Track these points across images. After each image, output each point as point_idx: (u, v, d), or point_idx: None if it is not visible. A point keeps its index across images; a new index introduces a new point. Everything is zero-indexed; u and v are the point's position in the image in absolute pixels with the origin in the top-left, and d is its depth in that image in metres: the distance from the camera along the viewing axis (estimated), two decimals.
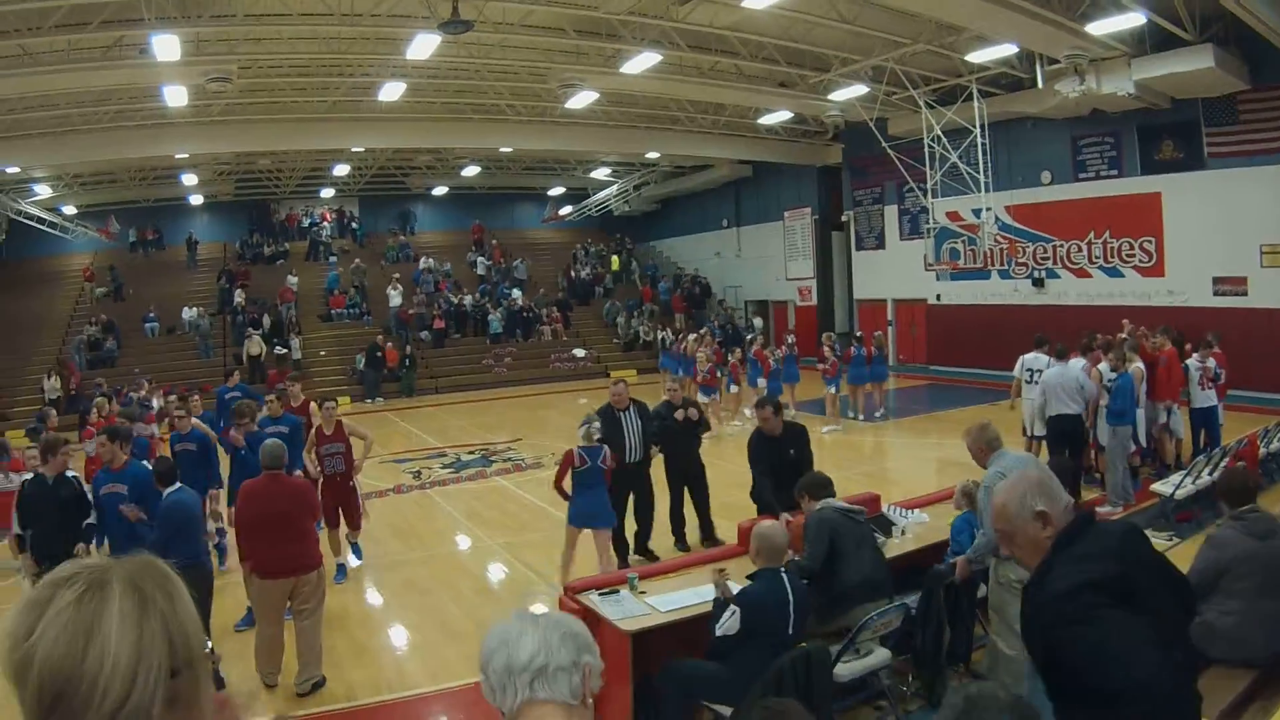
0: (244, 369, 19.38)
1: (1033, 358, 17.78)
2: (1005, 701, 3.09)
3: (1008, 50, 25.35)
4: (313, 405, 16.80)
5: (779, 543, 7.59)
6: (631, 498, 13.27)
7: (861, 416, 25.83)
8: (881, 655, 8.16)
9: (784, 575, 7.49)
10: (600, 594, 8.44)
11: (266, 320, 40.08)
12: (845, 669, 7.83)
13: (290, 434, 13.64)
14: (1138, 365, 16.48)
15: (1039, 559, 4.05)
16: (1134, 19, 22.06)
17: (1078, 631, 3.70)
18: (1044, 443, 16.24)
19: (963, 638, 9.01)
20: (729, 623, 7.17)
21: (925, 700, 8.57)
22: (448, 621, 11.73)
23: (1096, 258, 29.93)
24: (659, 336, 37.84)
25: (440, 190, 52.48)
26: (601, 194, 52.76)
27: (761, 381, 26.59)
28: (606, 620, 7.94)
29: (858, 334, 30.62)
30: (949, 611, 8.70)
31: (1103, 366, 16.07)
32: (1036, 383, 16.65)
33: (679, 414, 13.52)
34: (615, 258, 52.31)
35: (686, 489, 13.84)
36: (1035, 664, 4.02)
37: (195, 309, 41.26)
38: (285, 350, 37.23)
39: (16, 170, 35.13)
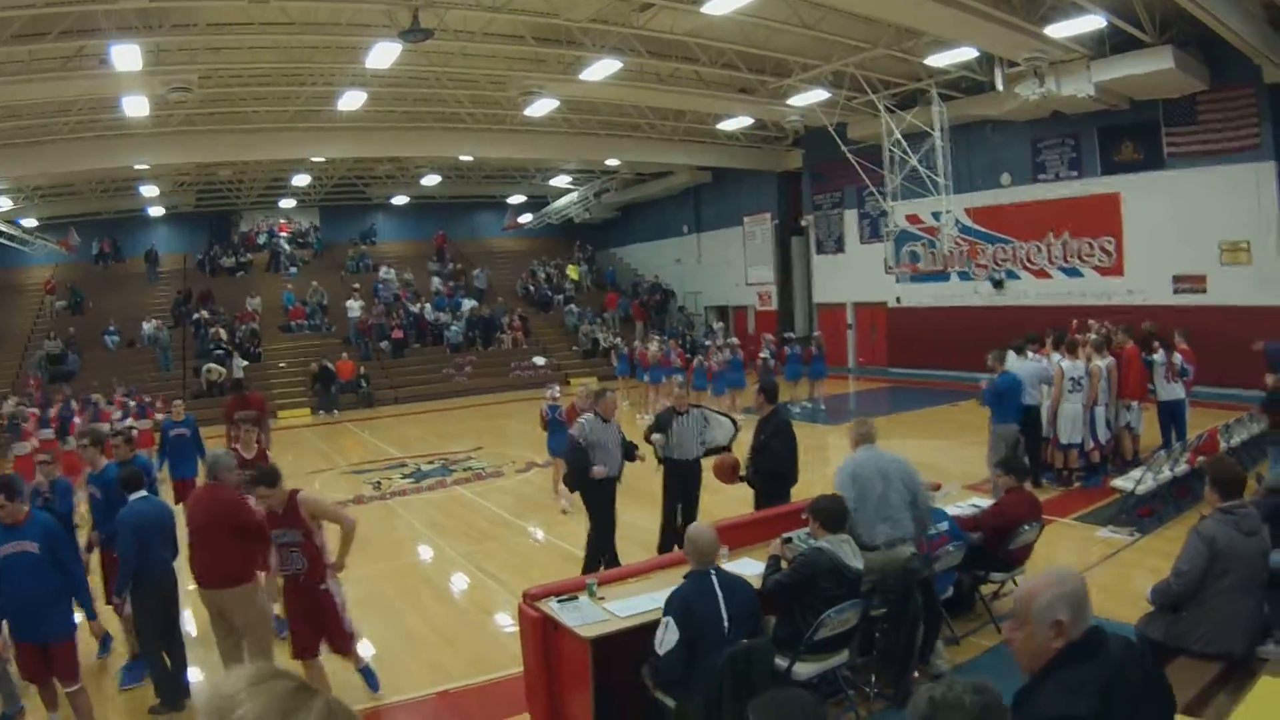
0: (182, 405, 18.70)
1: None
2: (971, 703, 3.15)
3: (968, 54, 25.45)
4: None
5: (705, 543, 7.53)
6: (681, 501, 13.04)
7: (797, 409, 26.14)
8: (840, 655, 8.12)
9: (713, 575, 7.40)
10: (559, 600, 8.35)
11: (223, 334, 40.03)
12: (802, 668, 7.81)
13: (191, 434, 14.62)
14: (1108, 362, 16.62)
15: (1036, 665, 4.05)
16: (1094, 21, 22.14)
17: None
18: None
19: (926, 638, 8.99)
20: (666, 636, 7.07)
21: (890, 701, 8.58)
22: (409, 631, 11.70)
23: (1056, 258, 30.13)
24: (616, 343, 37.74)
25: (401, 200, 52.55)
26: (562, 201, 52.73)
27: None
28: (565, 627, 7.91)
29: (816, 334, 31.21)
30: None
31: (1065, 363, 16.19)
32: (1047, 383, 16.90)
33: (657, 438, 12.91)
34: (573, 267, 52.36)
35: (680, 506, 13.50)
36: None
37: (154, 322, 41.10)
38: (223, 371, 36.87)
39: None
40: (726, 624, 7.19)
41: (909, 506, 8.94)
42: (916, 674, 8.82)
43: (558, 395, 19.57)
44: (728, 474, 12.33)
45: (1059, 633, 3.97)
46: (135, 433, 15.29)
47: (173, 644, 9.70)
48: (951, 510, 10.43)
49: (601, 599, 8.37)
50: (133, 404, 28.42)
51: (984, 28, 21.88)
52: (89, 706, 8.80)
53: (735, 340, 31.36)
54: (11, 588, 8.26)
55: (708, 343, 33.07)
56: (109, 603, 9.99)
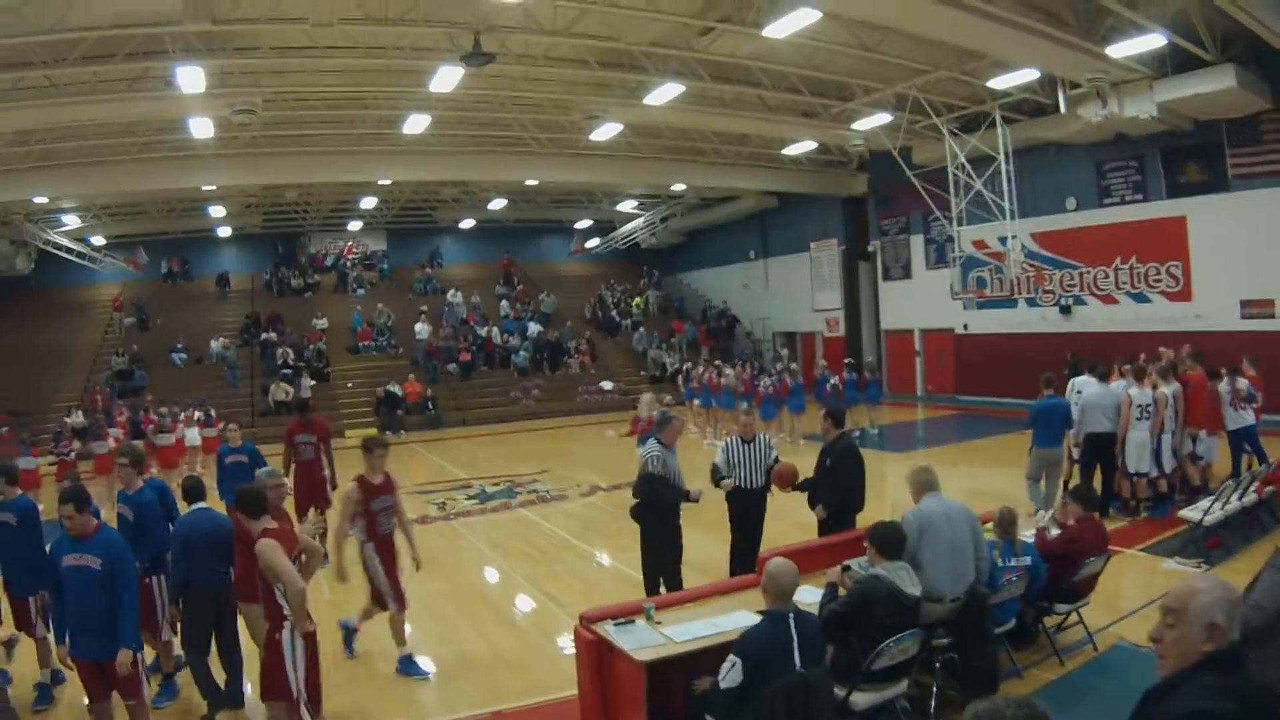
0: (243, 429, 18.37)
1: (1083, 380, 17.61)
2: (1013, 717, 3.10)
3: (1030, 75, 25.24)
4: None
5: (786, 584, 7.23)
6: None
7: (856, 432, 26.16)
8: (899, 684, 7.95)
9: (791, 619, 7.13)
10: (615, 624, 8.27)
11: (290, 355, 40.54)
12: (860, 698, 7.67)
13: (250, 461, 14.07)
14: (1174, 389, 16.37)
15: (1178, 666, 3.95)
16: (1154, 40, 21.91)
17: None
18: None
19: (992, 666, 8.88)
20: (731, 675, 6.84)
21: None
22: (467, 651, 11.67)
23: (1123, 283, 29.68)
24: (686, 367, 37.62)
25: (468, 223, 52.68)
26: (628, 226, 52.68)
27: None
28: (620, 650, 7.84)
29: (869, 360, 31.43)
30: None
31: (1133, 390, 15.96)
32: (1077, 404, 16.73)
33: (727, 483, 12.56)
34: (639, 300, 52.33)
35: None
36: None
37: (222, 340, 41.75)
38: (290, 390, 37.02)
39: (45, 200, 35.44)
40: (802, 664, 7.01)
41: (971, 555, 8.83)
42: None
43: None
44: (785, 482, 12.20)
45: (1211, 636, 3.88)
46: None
47: (228, 654, 9.78)
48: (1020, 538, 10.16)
49: (658, 623, 8.27)
50: (199, 414, 29.13)
51: (1044, 48, 21.68)
52: None
53: (795, 365, 31.27)
54: (72, 603, 8.24)
55: (777, 366, 33.02)
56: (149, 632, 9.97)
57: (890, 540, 8.22)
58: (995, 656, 8.67)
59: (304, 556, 8.63)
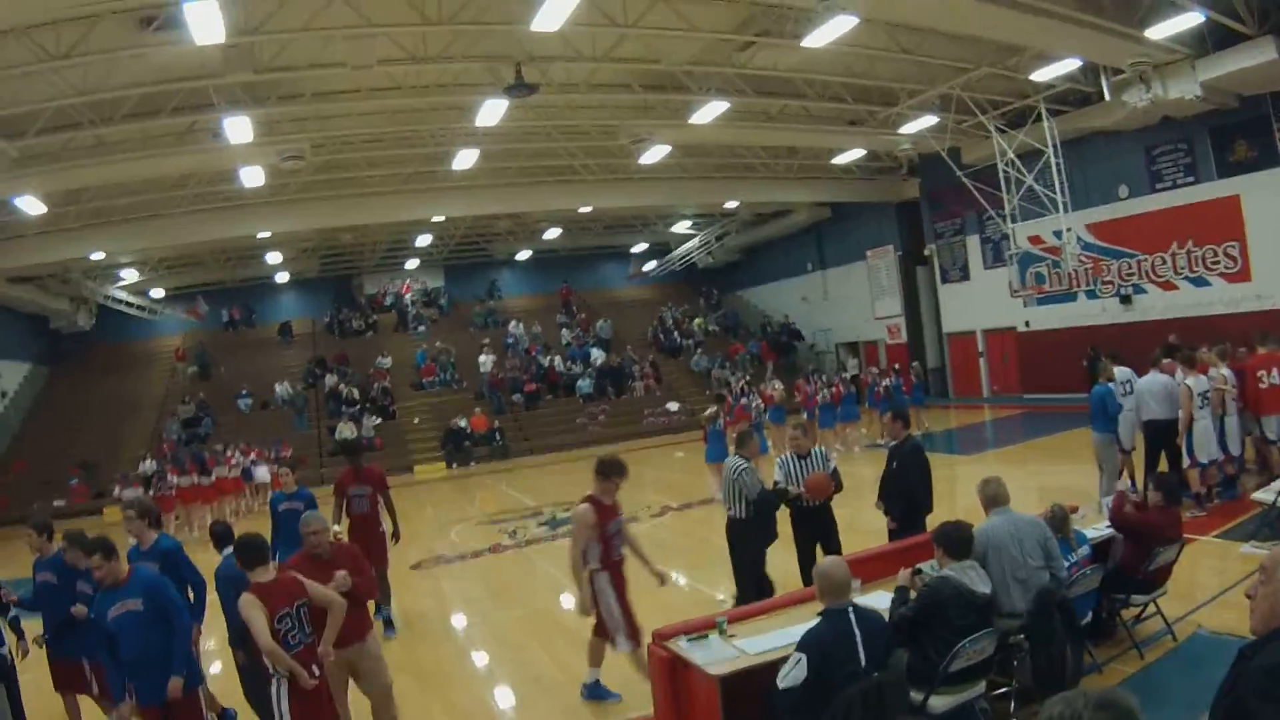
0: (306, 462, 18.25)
1: (1119, 371, 17.35)
2: (1090, 718, 3.02)
3: (1071, 65, 25.11)
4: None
5: (839, 579, 7.30)
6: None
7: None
8: (976, 686, 7.83)
9: (850, 613, 7.16)
10: (688, 639, 8.19)
11: (355, 394, 40.84)
12: (938, 701, 7.53)
13: (306, 509, 12.09)
14: (1222, 372, 16.17)
15: (1265, 621, 4.03)
16: (1192, 18, 21.74)
17: (1270, 712, 3.63)
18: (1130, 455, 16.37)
19: (1072, 664, 8.66)
20: (793, 672, 6.83)
21: None
22: (541, 675, 11.69)
23: (1181, 268, 29.36)
24: (739, 386, 37.51)
25: (524, 254, 53.00)
26: (684, 247, 52.63)
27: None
28: (695, 665, 7.76)
29: (914, 364, 31.76)
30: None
31: (1190, 380, 15.75)
32: (1127, 395, 16.57)
33: (795, 489, 12.19)
34: (699, 320, 52.25)
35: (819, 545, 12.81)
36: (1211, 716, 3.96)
37: (286, 384, 42.30)
38: (354, 434, 37.12)
39: (102, 256, 35.68)
40: (864, 664, 7.01)
41: (1044, 568, 8.69)
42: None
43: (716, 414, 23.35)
44: (820, 493, 11.99)
45: None
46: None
47: None
48: (1090, 533, 10.16)
49: (732, 636, 8.18)
50: (269, 452, 30.70)
51: (1082, 36, 21.59)
52: None
53: (847, 374, 31.36)
54: (127, 650, 8.16)
55: (823, 377, 33.07)
56: None
57: (956, 540, 8.13)
58: (1064, 654, 8.49)
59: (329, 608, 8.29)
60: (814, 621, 7.27)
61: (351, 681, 9.14)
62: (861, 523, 12.95)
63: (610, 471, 10.42)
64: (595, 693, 10.53)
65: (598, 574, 10.29)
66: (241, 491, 29.50)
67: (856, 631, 7.07)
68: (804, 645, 6.98)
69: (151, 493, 27.41)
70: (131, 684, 8.28)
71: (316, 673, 7.86)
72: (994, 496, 9.09)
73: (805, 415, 29.62)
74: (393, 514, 14.45)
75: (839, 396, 28.95)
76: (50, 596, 9.90)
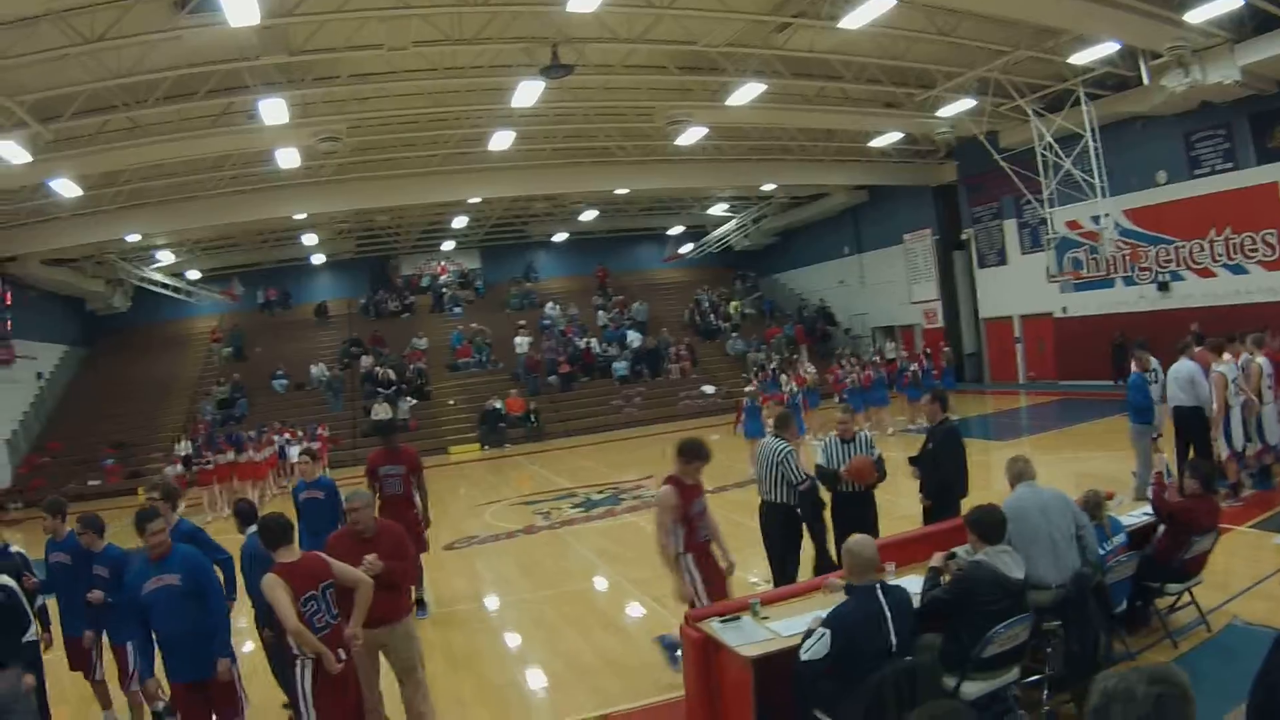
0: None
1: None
2: (1144, 695, 3.01)
3: (1109, 49, 24.89)
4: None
5: (868, 556, 7.31)
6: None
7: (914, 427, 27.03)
8: (1010, 672, 7.71)
9: (879, 592, 7.16)
10: (721, 621, 8.14)
11: (391, 375, 41.03)
12: (970, 687, 7.43)
13: (327, 498, 12.70)
14: (1257, 361, 16.06)
15: None
16: (1232, 2, 21.64)
17: None
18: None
19: (1104, 649, 8.60)
20: (816, 645, 6.82)
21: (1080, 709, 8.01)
22: (573, 656, 11.68)
23: (1220, 255, 29.07)
24: (772, 368, 37.42)
25: (560, 236, 53.01)
26: (720, 230, 52.63)
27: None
28: (727, 647, 7.71)
29: (926, 350, 32.36)
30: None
31: (1222, 367, 15.63)
32: (1154, 383, 16.62)
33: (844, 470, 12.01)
34: (735, 303, 52.08)
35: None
36: (1249, 703, 3.96)
37: (322, 365, 42.52)
38: (389, 415, 37.17)
39: (138, 238, 36.03)
40: (894, 643, 7.00)
41: (1074, 541, 8.65)
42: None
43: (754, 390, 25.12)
44: (862, 477, 11.74)
45: None
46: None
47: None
48: (1125, 520, 10.04)
49: (765, 618, 8.13)
50: (301, 432, 31.35)
51: (1120, 19, 21.58)
52: None
53: (878, 359, 31.42)
54: (161, 625, 8.20)
55: (875, 359, 33.08)
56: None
57: (989, 524, 7.98)
58: (1097, 641, 8.39)
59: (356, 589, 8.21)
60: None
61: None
62: (896, 508, 12.87)
63: (692, 454, 9.90)
64: (668, 642, 10.39)
65: (683, 556, 9.83)
66: (277, 471, 29.68)
67: (885, 609, 7.06)
68: (830, 620, 6.98)
69: (188, 470, 27.87)
70: (165, 661, 8.27)
71: (343, 655, 7.80)
72: (1020, 473, 9.13)
73: (835, 399, 29.60)
74: (424, 497, 14.07)
75: (869, 381, 29.03)
76: (64, 578, 9.88)
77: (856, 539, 7.59)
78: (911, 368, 30.57)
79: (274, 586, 7.62)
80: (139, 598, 8.20)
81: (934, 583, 7.90)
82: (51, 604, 10.08)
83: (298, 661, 7.77)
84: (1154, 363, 16.96)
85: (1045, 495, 8.88)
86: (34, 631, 9.18)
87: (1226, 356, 15.71)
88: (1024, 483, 9.03)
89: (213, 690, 8.28)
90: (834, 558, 10.94)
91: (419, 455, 14.16)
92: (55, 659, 10.11)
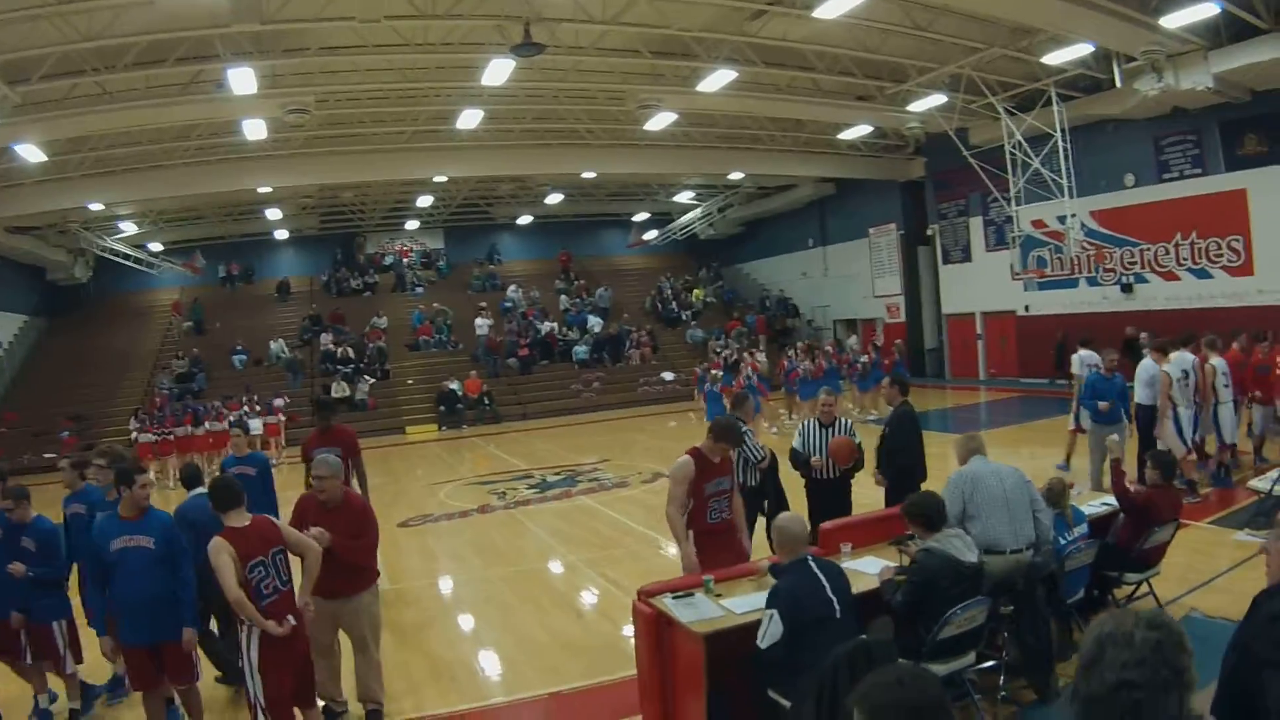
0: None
1: (1087, 354, 18.64)
2: (1142, 640, 2.95)
3: (1083, 50, 24.90)
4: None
5: (796, 532, 7.36)
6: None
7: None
8: (966, 657, 7.70)
9: (810, 562, 7.20)
10: (674, 597, 8.06)
11: (350, 353, 41.11)
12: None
13: (258, 474, 12.24)
14: (1211, 362, 16.24)
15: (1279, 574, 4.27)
16: (1207, 9, 21.71)
17: (1275, 653, 3.67)
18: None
19: (1057, 639, 8.69)
20: (771, 629, 6.82)
21: (1038, 697, 8.29)
22: (526, 635, 11.65)
23: (1184, 259, 29.29)
24: (728, 354, 37.70)
25: (525, 219, 52.85)
26: (686, 217, 52.62)
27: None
28: (679, 624, 7.64)
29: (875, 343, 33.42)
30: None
31: (1167, 366, 15.76)
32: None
33: (817, 460, 11.92)
34: (698, 290, 52.20)
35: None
36: (1223, 670, 4.07)
37: (281, 341, 42.42)
38: (347, 393, 38.12)
39: (101, 208, 35.89)
40: (837, 608, 7.00)
41: (1029, 511, 8.66)
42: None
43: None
44: (844, 457, 11.71)
45: None
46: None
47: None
48: (1086, 510, 10.09)
49: (719, 595, 8.05)
50: (259, 406, 31.79)
51: (1096, 20, 21.62)
52: (200, 707, 8.74)
53: (828, 348, 31.83)
54: (124, 586, 8.05)
55: (827, 349, 33.48)
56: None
57: (927, 510, 7.98)
58: (1049, 632, 8.42)
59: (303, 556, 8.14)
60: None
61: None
62: (857, 495, 12.78)
63: (721, 433, 9.59)
64: None
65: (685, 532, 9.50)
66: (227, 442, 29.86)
67: (820, 577, 7.10)
68: (773, 601, 6.98)
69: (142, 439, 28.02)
70: (121, 622, 8.17)
71: (292, 620, 7.68)
72: (974, 449, 9.18)
73: (784, 389, 30.79)
74: (363, 481, 13.08)
75: (821, 371, 29.34)
76: None
77: (784, 516, 7.70)
78: (862, 359, 30.99)
79: (219, 551, 7.48)
80: (104, 554, 8.08)
81: (894, 590, 7.82)
82: None
83: (243, 629, 7.64)
84: (1093, 357, 17.58)
85: (1000, 467, 8.97)
86: None
87: (1173, 356, 15.89)
88: (976, 456, 9.08)
89: (167, 656, 8.19)
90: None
91: (356, 436, 13.47)
92: None
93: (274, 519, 8.21)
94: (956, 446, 9.39)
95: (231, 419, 28.13)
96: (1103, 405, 15.65)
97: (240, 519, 7.81)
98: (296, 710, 7.89)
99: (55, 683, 9.73)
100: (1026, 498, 8.74)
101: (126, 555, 8.03)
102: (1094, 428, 15.95)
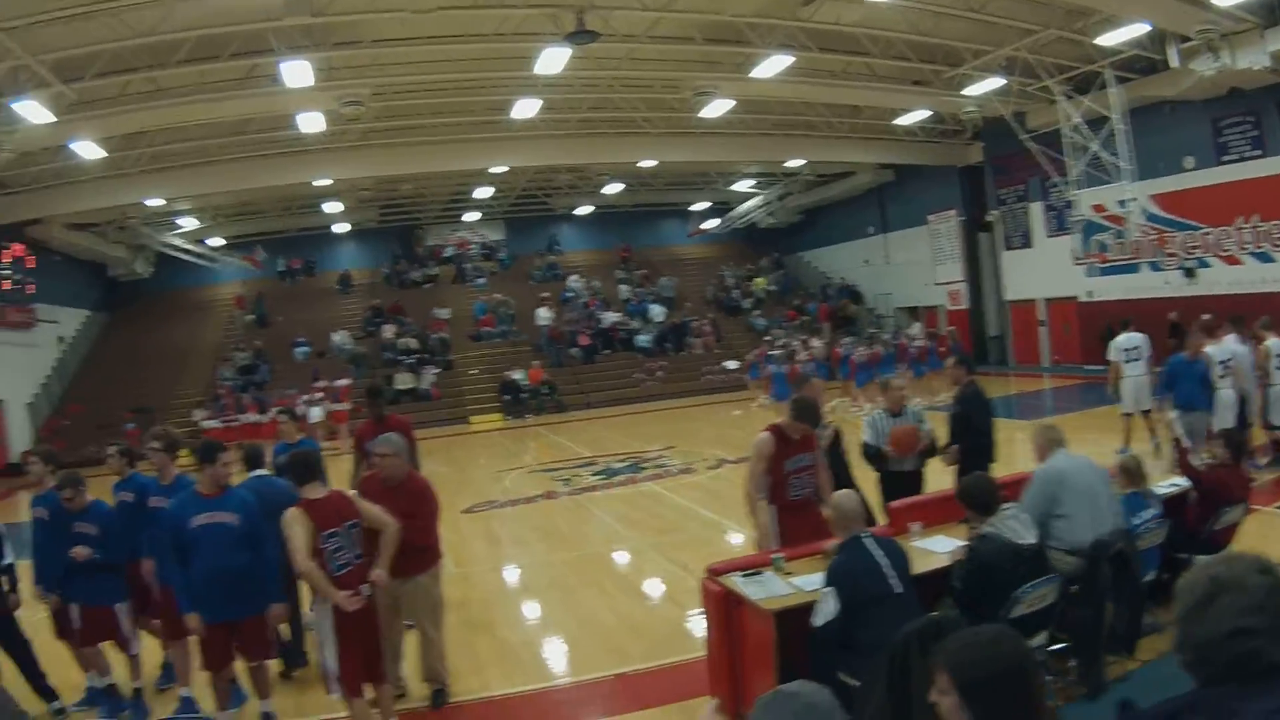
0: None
1: (1125, 338, 18.63)
2: (1255, 585, 2.80)
3: (1138, 30, 24.64)
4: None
5: (850, 509, 7.35)
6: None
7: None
8: (1038, 636, 7.42)
9: (864, 540, 7.18)
10: (743, 575, 8.03)
11: (413, 344, 41.45)
12: None
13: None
14: (1267, 344, 16.08)
15: None
16: None
17: None
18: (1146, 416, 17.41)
19: (1126, 620, 8.29)
20: (825, 607, 6.80)
21: (1083, 684, 7.86)
22: (590, 616, 11.72)
23: (1246, 243, 28.82)
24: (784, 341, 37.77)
25: (584, 210, 52.86)
26: (745, 206, 52.47)
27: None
28: (749, 601, 7.61)
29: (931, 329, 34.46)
30: (1113, 589, 8.05)
31: (1210, 348, 15.69)
32: (1136, 360, 18.02)
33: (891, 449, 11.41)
34: (760, 280, 52.02)
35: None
36: None
37: (344, 333, 42.74)
38: (412, 384, 38.62)
39: (160, 203, 36.34)
40: (896, 585, 6.97)
41: (1109, 504, 8.49)
42: (1120, 665, 8.20)
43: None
44: (907, 447, 11.29)
45: None
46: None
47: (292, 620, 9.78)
48: (1158, 490, 9.69)
49: (788, 574, 7.99)
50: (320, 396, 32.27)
51: (1150, 0, 21.36)
52: (268, 684, 8.88)
53: (887, 335, 32.04)
54: (205, 561, 8.14)
55: (887, 337, 33.53)
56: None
57: (979, 493, 7.85)
58: (1103, 617, 8.01)
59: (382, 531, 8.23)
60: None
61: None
62: (932, 487, 12.70)
63: (801, 411, 9.65)
64: None
65: (769, 508, 9.57)
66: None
67: (877, 556, 7.08)
68: (831, 579, 6.97)
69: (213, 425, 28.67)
70: (199, 598, 8.20)
71: (365, 592, 7.82)
72: (1055, 440, 8.92)
73: (840, 375, 31.25)
74: (417, 459, 11.73)
75: (878, 358, 29.77)
76: (44, 534, 9.53)
77: (839, 493, 7.72)
78: (916, 344, 31.20)
79: (293, 522, 7.65)
80: (185, 530, 8.18)
81: (958, 571, 7.72)
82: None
83: (317, 604, 7.81)
84: (1135, 340, 18.00)
85: (1081, 461, 8.78)
86: (10, 556, 9.41)
87: (1228, 339, 15.84)
88: (1059, 450, 8.84)
89: (245, 633, 8.32)
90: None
91: (412, 426, 12.23)
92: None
93: (348, 493, 8.34)
94: (1035, 436, 9.17)
95: (299, 405, 28.62)
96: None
97: (316, 491, 7.96)
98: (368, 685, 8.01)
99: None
100: (1108, 493, 8.61)
101: (207, 532, 8.13)
102: (1179, 414, 15.73)
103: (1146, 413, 18.00)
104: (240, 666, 8.74)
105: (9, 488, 27.21)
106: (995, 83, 28.96)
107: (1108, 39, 25.09)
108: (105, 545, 9.16)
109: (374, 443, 9.26)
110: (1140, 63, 27.83)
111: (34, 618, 10.17)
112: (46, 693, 9.43)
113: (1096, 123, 28.27)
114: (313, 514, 7.70)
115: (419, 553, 8.96)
